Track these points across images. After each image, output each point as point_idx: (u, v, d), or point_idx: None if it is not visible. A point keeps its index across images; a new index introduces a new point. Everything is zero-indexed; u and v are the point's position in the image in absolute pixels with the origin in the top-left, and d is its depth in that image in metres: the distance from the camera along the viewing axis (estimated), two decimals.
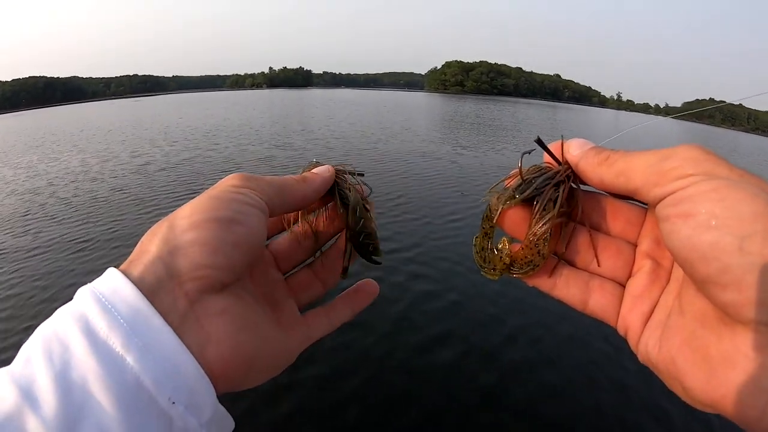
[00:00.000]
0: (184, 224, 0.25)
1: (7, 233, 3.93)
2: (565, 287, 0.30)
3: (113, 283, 0.23)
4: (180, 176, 5.99)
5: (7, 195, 5.46)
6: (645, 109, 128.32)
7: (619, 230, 0.30)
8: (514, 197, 0.30)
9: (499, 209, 0.31)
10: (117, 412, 0.20)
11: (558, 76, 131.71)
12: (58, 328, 0.22)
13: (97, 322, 0.22)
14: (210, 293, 0.25)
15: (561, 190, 0.29)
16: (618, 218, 0.30)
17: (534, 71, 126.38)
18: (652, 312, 0.27)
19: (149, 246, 0.25)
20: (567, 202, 0.30)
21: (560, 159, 0.30)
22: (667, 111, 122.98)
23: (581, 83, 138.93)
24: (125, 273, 0.24)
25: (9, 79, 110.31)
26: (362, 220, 0.34)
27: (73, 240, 3.59)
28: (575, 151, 0.29)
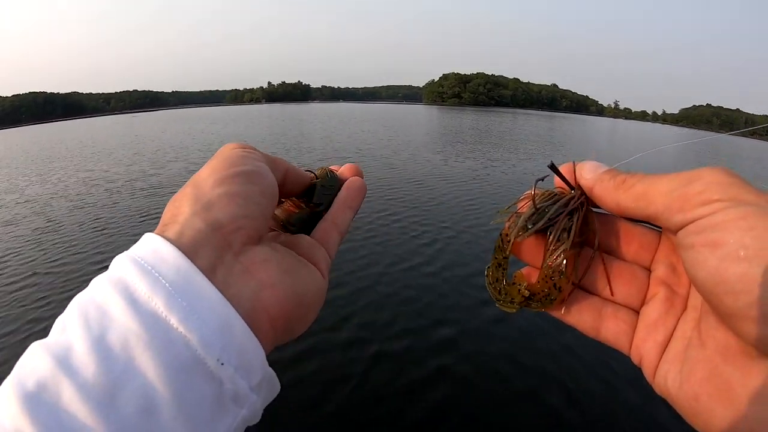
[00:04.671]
0: (210, 182, 0.25)
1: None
2: (578, 314, 0.29)
3: (151, 245, 0.22)
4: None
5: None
6: (642, 116, 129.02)
7: (632, 255, 0.29)
8: (527, 228, 0.29)
9: (512, 241, 0.30)
10: (162, 376, 0.18)
11: (555, 85, 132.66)
12: (95, 294, 0.20)
13: (137, 284, 0.20)
14: (251, 244, 0.25)
15: (575, 219, 0.29)
16: (631, 242, 0.29)
17: (531, 81, 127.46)
18: (668, 341, 0.26)
19: (180, 208, 0.24)
20: (581, 231, 0.29)
21: (573, 184, 0.30)
22: (664, 118, 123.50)
23: (578, 92, 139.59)
24: (162, 235, 0.23)
25: (9, 95, 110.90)
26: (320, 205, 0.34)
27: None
28: (588, 174, 0.29)
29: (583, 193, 0.29)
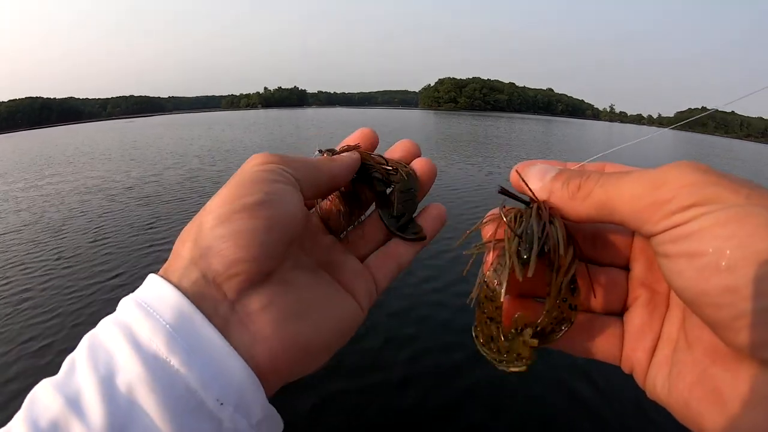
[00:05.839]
0: (211, 220, 0.24)
1: None
2: (569, 337, 0.26)
3: (154, 289, 0.23)
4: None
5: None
6: (638, 119, 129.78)
7: (608, 257, 0.27)
8: (525, 259, 0.24)
9: (506, 284, 0.25)
10: (164, 417, 0.19)
11: (551, 89, 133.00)
12: (102, 336, 0.21)
13: (140, 327, 0.21)
14: (250, 289, 0.23)
15: (558, 226, 0.25)
16: (603, 245, 0.27)
17: (527, 86, 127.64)
18: (656, 346, 0.25)
19: (181, 250, 0.24)
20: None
21: (523, 197, 0.27)
22: (660, 121, 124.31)
23: (574, 96, 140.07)
24: (165, 278, 0.23)
25: (6, 100, 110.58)
26: (405, 202, 0.31)
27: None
28: (536, 184, 0.26)
29: (540, 201, 0.26)
